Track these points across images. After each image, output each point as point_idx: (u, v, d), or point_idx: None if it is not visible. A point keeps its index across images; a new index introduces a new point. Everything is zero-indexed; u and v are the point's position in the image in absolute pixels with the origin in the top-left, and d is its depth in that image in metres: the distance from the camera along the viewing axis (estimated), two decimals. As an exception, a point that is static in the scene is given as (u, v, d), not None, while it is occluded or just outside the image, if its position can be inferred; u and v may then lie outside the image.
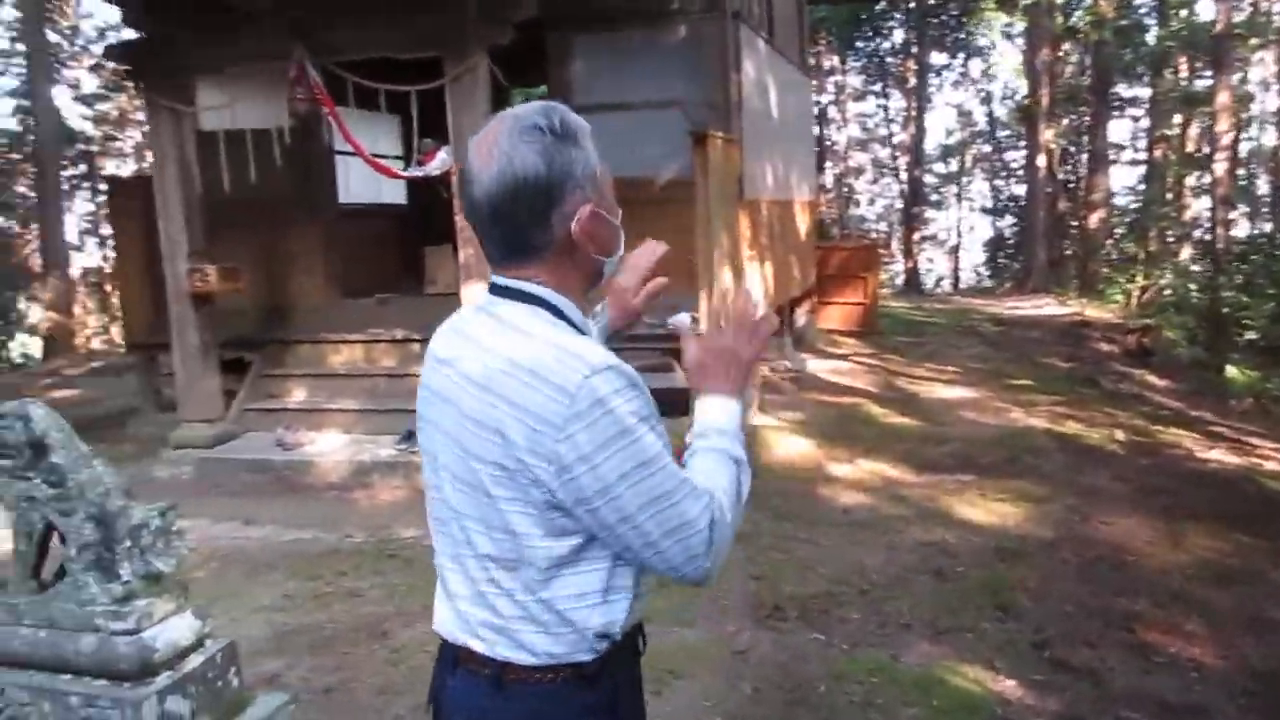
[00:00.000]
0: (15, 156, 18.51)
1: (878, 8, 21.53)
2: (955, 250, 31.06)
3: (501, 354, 1.31)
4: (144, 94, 7.68)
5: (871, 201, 33.82)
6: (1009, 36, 24.08)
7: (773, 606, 4.30)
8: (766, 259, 8.74)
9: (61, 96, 20.61)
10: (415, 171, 6.93)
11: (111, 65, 11.73)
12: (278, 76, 6.77)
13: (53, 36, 20.53)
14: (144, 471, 7.13)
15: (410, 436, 6.87)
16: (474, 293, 6.58)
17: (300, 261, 8.63)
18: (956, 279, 29.22)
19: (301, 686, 3.83)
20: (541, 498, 1.29)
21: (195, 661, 2.99)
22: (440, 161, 6.75)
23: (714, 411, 1.48)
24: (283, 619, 4.44)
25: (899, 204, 28.26)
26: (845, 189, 30.19)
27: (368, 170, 7.30)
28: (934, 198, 32.66)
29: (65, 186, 19.78)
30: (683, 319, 6.01)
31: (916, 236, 23.78)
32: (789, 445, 7.01)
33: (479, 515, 1.35)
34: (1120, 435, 7.36)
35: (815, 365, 9.74)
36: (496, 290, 1.40)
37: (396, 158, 9.88)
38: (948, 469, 6.55)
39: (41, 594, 2.96)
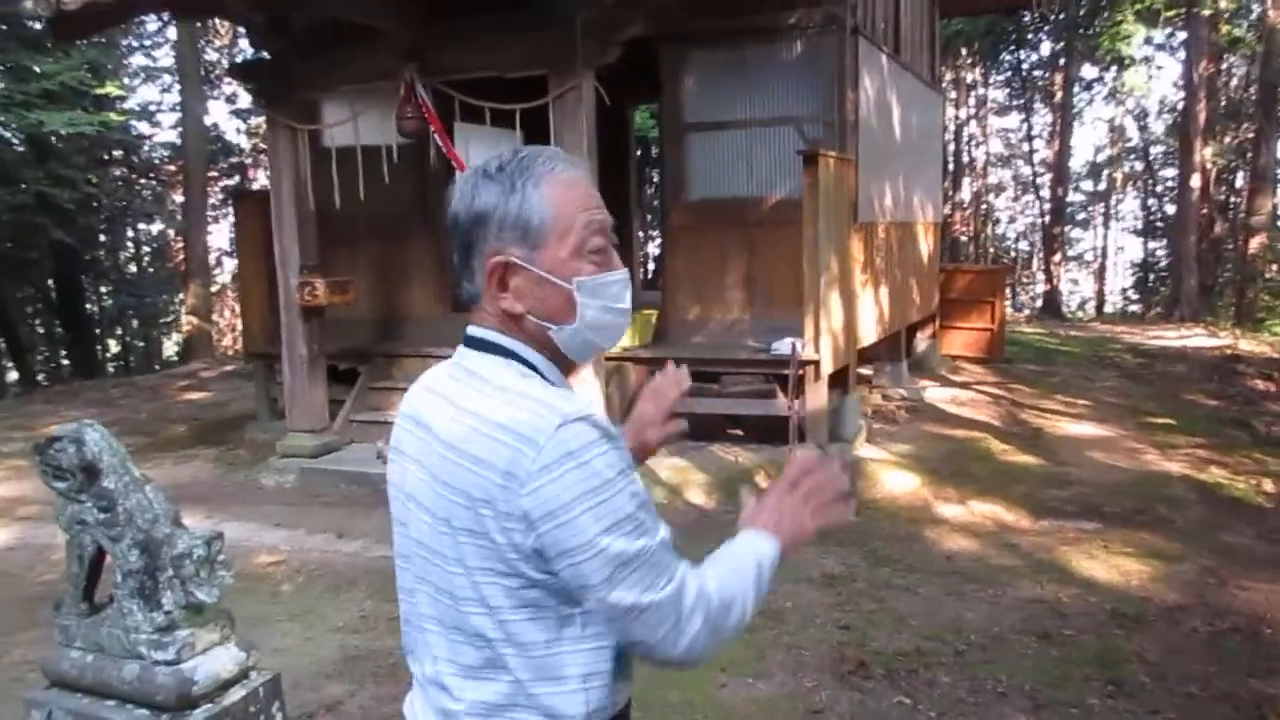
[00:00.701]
0: (171, 168, 19.66)
1: (1024, 19, 20.66)
2: (1100, 273, 29.47)
3: (470, 410, 1.22)
4: (264, 112, 7.93)
5: (1012, 220, 32.50)
6: (1168, 49, 22.71)
7: (857, 662, 4.01)
8: (882, 283, 8.36)
9: (219, 111, 21.86)
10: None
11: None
12: (390, 96, 6.86)
13: (212, 54, 21.79)
14: (252, 478, 7.34)
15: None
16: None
17: (414, 276, 8.76)
18: (1100, 304, 27.71)
19: (359, 716, 3.77)
20: (516, 566, 1.19)
21: (237, 695, 2.95)
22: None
23: (756, 540, 1.42)
24: (355, 641, 4.41)
25: (1041, 223, 26.96)
26: (983, 207, 29.05)
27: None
28: (1080, 217, 31.12)
29: (221, 197, 20.94)
30: (785, 345, 5.73)
31: (1057, 258, 22.61)
32: (895, 481, 6.64)
33: (448, 587, 1.25)
34: (1270, 486, 6.67)
35: (934, 394, 9.27)
36: (468, 342, 1.31)
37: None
38: (1069, 516, 6.06)
39: (91, 617, 2.97)
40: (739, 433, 7.44)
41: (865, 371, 9.45)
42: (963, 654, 4.11)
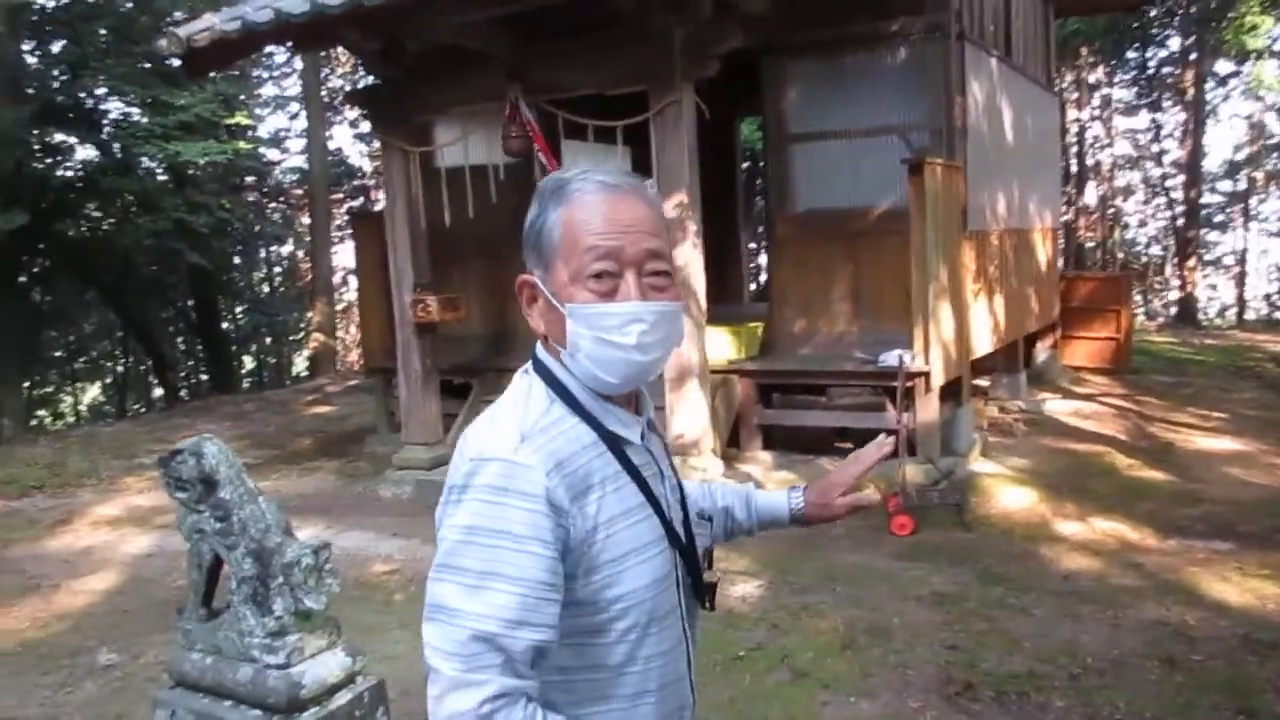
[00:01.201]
0: (299, 192, 20.59)
1: (1149, 15, 19.76)
2: (1241, 278, 27.86)
3: None
4: (378, 135, 8.23)
5: (1143, 224, 31.04)
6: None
7: (964, 684, 3.89)
8: (996, 292, 8.11)
9: (343, 136, 22.81)
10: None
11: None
12: (496, 116, 7.04)
13: (337, 82, 22.74)
14: (371, 489, 7.60)
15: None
16: (674, 327, 6.50)
17: (524, 291, 8.92)
18: (1241, 310, 26.19)
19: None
20: None
21: (343, 699, 3.05)
22: (644, 195, 6.72)
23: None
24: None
25: (1173, 227, 25.68)
26: (1110, 211, 27.83)
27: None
28: (1218, 219, 29.50)
29: (345, 218, 21.81)
30: (892, 356, 5.65)
31: (1192, 263, 21.45)
32: (1011, 497, 6.42)
33: None
34: None
35: (1055, 406, 8.93)
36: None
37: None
38: (1199, 535, 5.75)
39: (210, 622, 3.12)
40: (848, 445, 7.32)
41: (981, 383, 9.19)
42: (1078, 678, 3.94)
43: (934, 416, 6.64)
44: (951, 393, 7.15)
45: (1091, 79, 26.34)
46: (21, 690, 4.30)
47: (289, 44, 9.25)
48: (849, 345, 7.43)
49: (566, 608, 1.20)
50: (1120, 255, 28.31)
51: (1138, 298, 29.58)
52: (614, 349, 1.23)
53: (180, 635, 3.18)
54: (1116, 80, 26.69)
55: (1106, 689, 3.84)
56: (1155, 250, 30.22)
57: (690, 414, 6.44)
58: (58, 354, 22.82)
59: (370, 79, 8.06)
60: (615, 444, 1.27)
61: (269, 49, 13.89)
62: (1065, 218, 25.76)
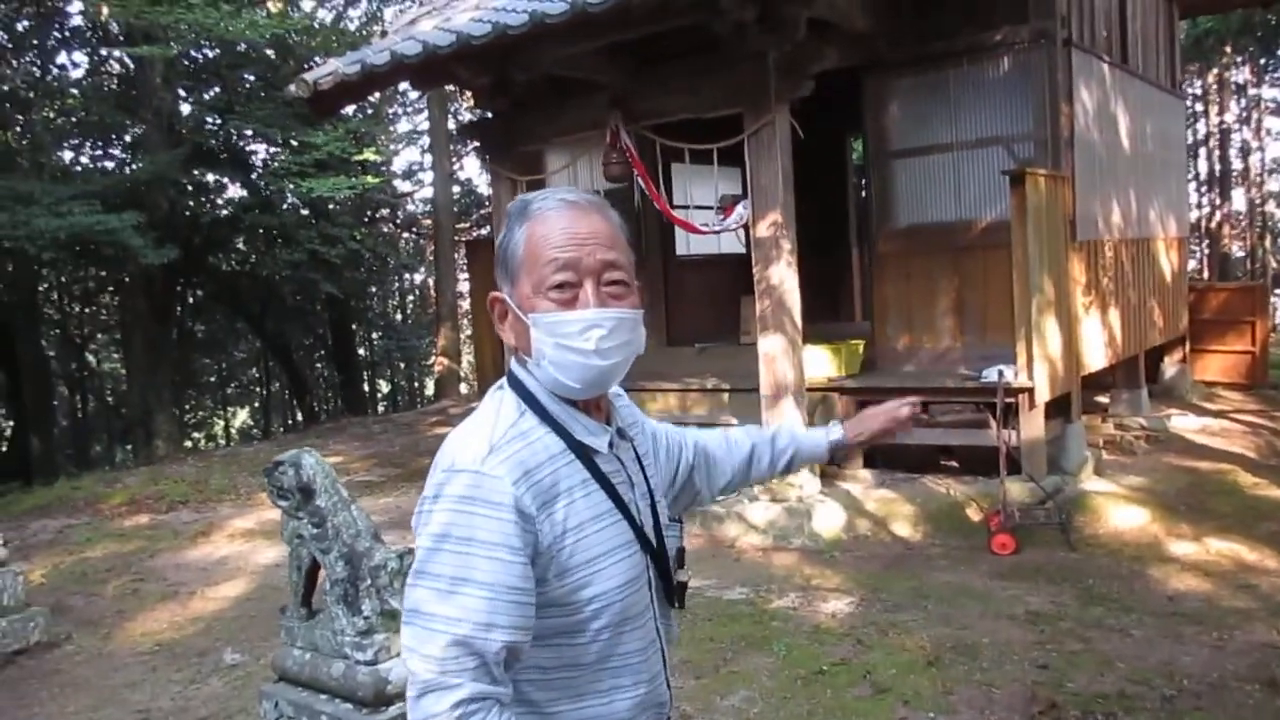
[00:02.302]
0: (428, 223, 21.48)
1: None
2: None
3: None
4: (489, 166, 8.61)
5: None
6: None
7: (1049, 703, 3.82)
8: (1111, 305, 7.85)
9: (473, 167, 23.71)
10: (715, 225, 7.09)
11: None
12: (599, 143, 7.29)
13: (466, 115, 23.66)
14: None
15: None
16: (770, 343, 6.59)
17: (633, 313, 9.14)
18: None
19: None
20: None
21: (425, 694, 3.27)
22: (738, 215, 6.85)
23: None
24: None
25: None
26: (1260, 218, 26.24)
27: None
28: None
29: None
30: (993, 372, 5.64)
31: (1351, 271, 20.05)
32: (1123, 516, 6.21)
33: None
34: None
35: (1181, 423, 8.54)
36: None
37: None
38: (1326, 557, 5.44)
39: (308, 621, 3.39)
40: (954, 464, 7.22)
41: (1102, 400, 8.88)
42: (1171, 700, 3.82)
43: (1039, 433, 6.49)
44: (1061, 409, 6.96)
45: (1239, 79, 25.00)
46: (155, 686, 4.70)
47: (407, 82, 9.77)
48: (953, 361, 7.33)
49: (543, 609, 1.28)
50: (1274, 264, 26.65)
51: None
52: (574, 354, 1.30)
53: (283, 633, 3.47)
54: (1268, 79, 25.21)
55: (1200, 711, 3.72)
56: (1315, 258, 28.28)
57: (786, 431, 6.47)
58: (211, 380, 24.48)
59: (482, 113, 8.44)
60: (583, 453, 1.34)
61: (400, 86, 14.62)
62: (1210, 224, 24.56)
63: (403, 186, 22.43)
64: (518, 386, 1.37)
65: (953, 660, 4.29)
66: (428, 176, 21.94)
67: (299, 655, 3.36)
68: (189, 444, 20.39)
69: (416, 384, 26.18)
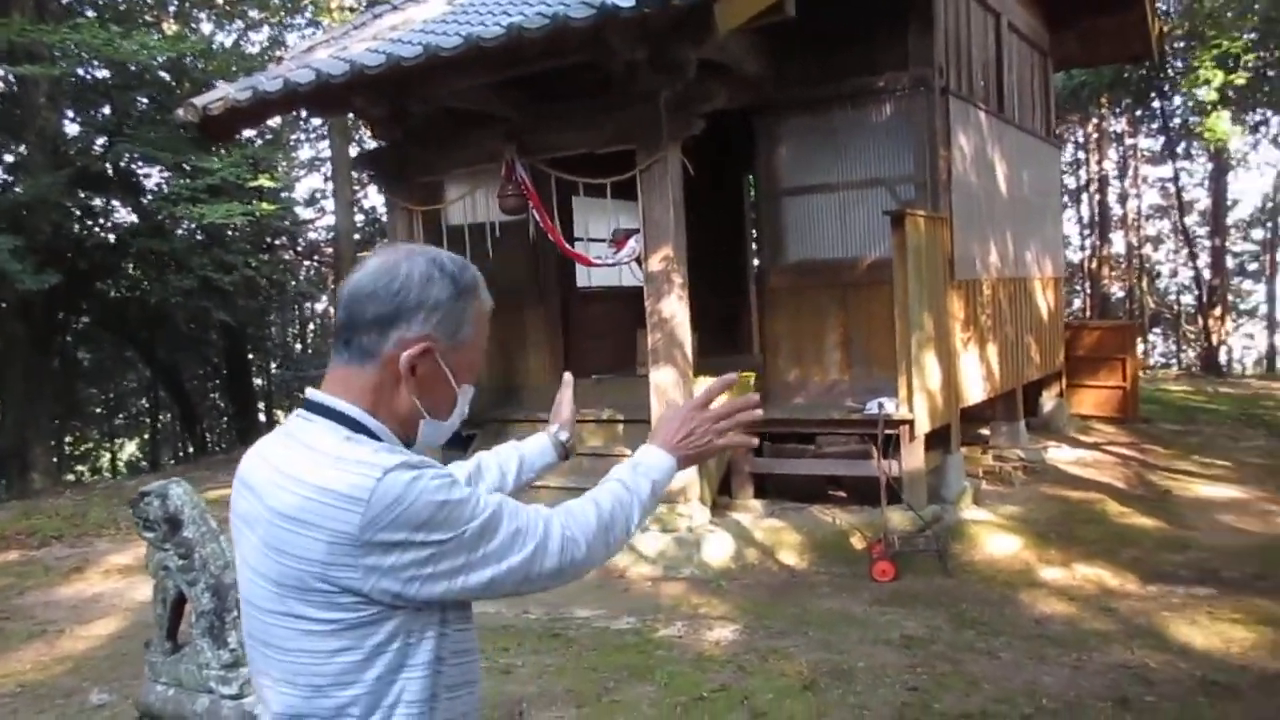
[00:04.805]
0: (330, 250, 21.16)
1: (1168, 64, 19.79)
2: (1271, 328, 27.51)
3: (293, 476, 1.30)
4: (384, 195, 8.58)
5: (1174, 273, 30.80)
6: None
7: (915, 724, 3.95)
8: (989, 341, 8.20)
9: (376, 194, 23.45)
10: (608, 258, 7.19)
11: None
12: (494, 176, 7.34)
13: (371, 143, 23.43)
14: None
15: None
16: (661, 375, 6.69)
17: (529, 345, 9.16)
18: (1271, 360, 25.83)
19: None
20: (349, 617, 1.28)
21: (292, 729, 3.21)
22: (630, 249, 6.97)
23: (647, 454, 1.57)
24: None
25: (1204, 275, 25.49)
26: (1137, 260, 27.67)
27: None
28: (1253, 268, 29.21)
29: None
30: (874, 405, 5.81)
31: (1217, 311, 21.27)
32: (998, 543, 6.46)
33: (279, 642, 1.33)
34: None
35: (1057, 455, 8.94)
36: (308, 405, 1.39)
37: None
38: (1181, 581, 5.75)
39: (173, 655, 3.31)
40: (842, 494, 7.40)
41: (984, 432, 9.23)
42: (1030, 718, 3.98)
43: (920, 464, 6.72)
44: (942, 441, 7.22)
45: (1117, 129, 26.41)
46: (14, 727, 4.49)
47: (303, 110, 9.67)
48: (841, 394, 7.54)
49: (459, 600, 1.35)
50: (1151, 304, 28.09)
51: (1170, 346, 29.34)
52: (460, 419, 1.48)
53: (147, 669, 3.37)
54: (1144, 130, 26.70)
55: (1057, 729, 3.89)
56: (1188, 299, 29.92)
57: (676, 462, 6.56)
58: (97, 410, 23.48)
59: (378, 142, 8.41)
60: None
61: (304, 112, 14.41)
62: (1092, 266, 25.78)
63: (305, 214, 22.07)
64: (346, 421, 1.36)
65: (829, 685, 4.39)
66: (330, 204, 21.67)
67: (162, 691, 3.27)
68: (71, 477, 19.50)
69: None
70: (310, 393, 1.40)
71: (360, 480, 1.26)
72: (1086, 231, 27.33)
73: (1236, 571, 5.83)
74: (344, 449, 1.31)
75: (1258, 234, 29.36)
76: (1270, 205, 27.98)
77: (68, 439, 22.35)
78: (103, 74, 14.36)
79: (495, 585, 1.33)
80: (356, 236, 18.83)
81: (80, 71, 13.82)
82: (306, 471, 1.30)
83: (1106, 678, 4.36)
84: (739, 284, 11.89)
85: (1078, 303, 27.04)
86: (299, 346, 25.66)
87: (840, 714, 4.11)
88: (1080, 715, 4.00)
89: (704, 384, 6.33)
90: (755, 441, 1.73)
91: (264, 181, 13.28)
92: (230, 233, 15.47)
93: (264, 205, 12.67)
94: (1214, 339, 20.69)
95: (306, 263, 23.77)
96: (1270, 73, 19.90)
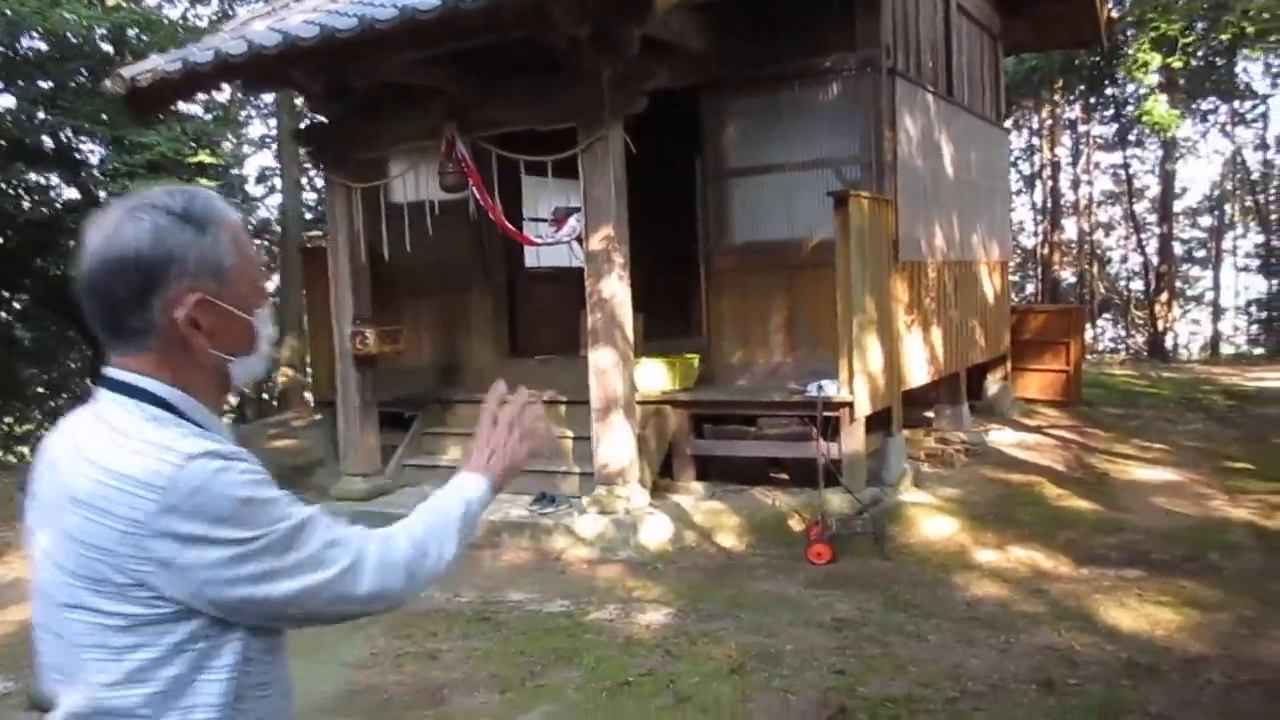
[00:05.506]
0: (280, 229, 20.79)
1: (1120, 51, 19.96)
2: (1216, 313, 28.04)
3: (90, 459, 1.22)
4: (322, 172, 8.39)
5: (1124, 259, 31.25)
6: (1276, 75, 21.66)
7: (839, 708, 3.93)
8: (933, 324, 8.21)
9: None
10: (548, 237, 7.10)
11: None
12: (435, 153, 7.19)
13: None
14: (307, 521, 7.62)
15: (543, 499, 6.94)
16: (601, 356, 6.61)
17: (473, 324, 9.04)
18: (1215, 345, 26.32)
19: (342, 749, 3.89)
20: (143, 611, 1.19)
21: None
22: (570, 228, 6.87)
23: (462, 478, 1.52)
24: (360, 677, 4.54)
25: (1152, 261, 25.87)
26: (1088, 246, 28.03)
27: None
28: (1200, 254, 29.71)
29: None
30: (815, 388, 5.73)
31: (1164, 297, 21.62)
32: (934, 526, 6.48)
33: (70, 635, 1.23)
34: (1341, 533, 6.24)
35: (999, 437, 9.00)
36: (104, 383, 1.30)
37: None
38: (1112, 563, 5.79)
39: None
40: (784, 476, 7.38)
41: (928, 415, 9.26)
42: (954, 701, 3.98)
43: (860, 447, 6.70)
44: (885, 423, 7.22)
45: (1071, 115, 26.67)
46: (-85, 717, 4.33)
47: (238, 83, 9.42)
48: (785, 376, 7.51)
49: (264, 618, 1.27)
50: (1102, 289, 28.48)
51: (1120, 331, 29.80)
52: (272, 341, 1.42)
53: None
54: (1097, 116, 26.99)
55: (980, 712, 3.88)
56: (1137, 285, 30.39)
57: (615, 444, 6.51)
58: (40, 390, 22.91)
59: (316, 118, 8.22)
60: None
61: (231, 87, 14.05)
62: (1044, 251, 26.07)
63: (257, 192, 21.69)
64: (146, 397, 1.27)
65: (756, 668, 4.36)
66: (280, 182, 21.29)
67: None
68: (11, 459, 19.03)
69: (265, 395, 25.22)
70: (109, 370, 1.30)
71: (159, 466, 1.17)
72: (1040, 217, 27.64)
73: (1167, 554, 5.88)
74: (147, 431, 1.22)
75: (1206, 221, 29.91)
76: (1218, 193, 28.44)
77: (8, 419, 21.85)
78: (41, 46, 13.92)
79: (304, 599, 1.24)
80: (309, 215, 18.57)
81: (18, 43, 13.39)
82: (105, 454, 1.21)
83: (1033, 660, 4.37)
84: (691, 265, 11.82)
85: (1030, 287, 27.36)
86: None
87: (765, 698, 4.08)
88: (1004, 698, 3.99)
89: (646, 366, 6.23)
90: (556, 439, 1.67)
91: (204, 158, 12.95)
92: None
93: (204, 182, 12.37)
94: (1160, 324, 21.03)
95: (257, 242, 23.36)
96: (1219, 60, 20.23)
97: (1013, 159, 25.63)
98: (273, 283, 25.19)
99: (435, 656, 4.70)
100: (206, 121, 15.79)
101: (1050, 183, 25.71)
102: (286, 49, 6.54)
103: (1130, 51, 15.42)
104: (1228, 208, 28.29)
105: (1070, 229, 27.95)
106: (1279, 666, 4.19)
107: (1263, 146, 27.21)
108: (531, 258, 9.86)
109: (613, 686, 4.26)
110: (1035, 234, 27.65)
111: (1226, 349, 25.99)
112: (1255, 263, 27.94)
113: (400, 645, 4.87)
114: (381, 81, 7.37)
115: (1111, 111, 25.74)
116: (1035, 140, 26.78)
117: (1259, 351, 24.66)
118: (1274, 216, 26.99)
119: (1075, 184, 27.75)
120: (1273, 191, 26.69)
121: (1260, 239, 27.60)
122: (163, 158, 11.93)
